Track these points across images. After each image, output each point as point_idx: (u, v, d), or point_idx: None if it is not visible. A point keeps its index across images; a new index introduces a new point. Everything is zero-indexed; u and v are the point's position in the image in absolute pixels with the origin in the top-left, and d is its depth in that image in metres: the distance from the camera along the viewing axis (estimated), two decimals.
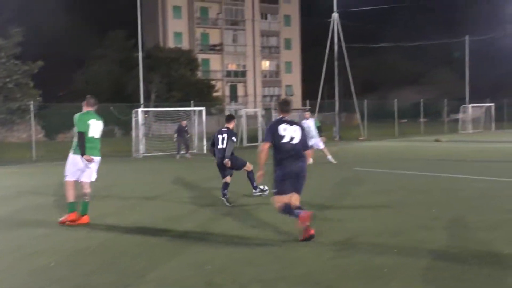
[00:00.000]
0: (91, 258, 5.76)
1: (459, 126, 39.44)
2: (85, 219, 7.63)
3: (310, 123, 16.20)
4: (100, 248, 6.15)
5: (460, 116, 40.70)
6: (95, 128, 7.69)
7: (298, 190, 6.21)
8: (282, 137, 6.15)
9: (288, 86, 66.77)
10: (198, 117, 25.72)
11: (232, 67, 63.25)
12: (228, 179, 9.09)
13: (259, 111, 32.14)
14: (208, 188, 11.14)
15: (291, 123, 6.27)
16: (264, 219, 7.52)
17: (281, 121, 6.25)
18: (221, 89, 60.02)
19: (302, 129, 6.31)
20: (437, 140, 28.03)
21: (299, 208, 6.11)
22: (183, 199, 9.74)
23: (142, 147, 23.89)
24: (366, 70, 67.13)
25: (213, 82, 54.89)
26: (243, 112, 29.87)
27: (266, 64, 66.30)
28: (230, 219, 7.64)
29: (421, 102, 39.17)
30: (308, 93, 56.74)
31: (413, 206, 8.24)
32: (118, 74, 49.95)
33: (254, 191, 9.58)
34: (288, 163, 6.11)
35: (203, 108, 25.47)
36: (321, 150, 16.19)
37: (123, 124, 37.74)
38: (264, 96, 64.34)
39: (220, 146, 9.09)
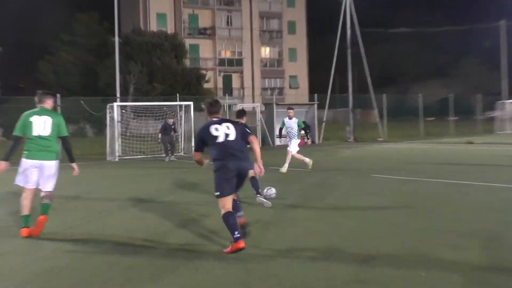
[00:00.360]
0: (55, 282, 5.67)
1: (495, 126, 39.50)
2: (41, 220, 7.52)
3: (293, 124, 16.19)
4: (67, 270, 6.07)
5: (496, 114, 40.73)
6: (41, 124, 7.49)
7: (238, 189, 6.94)
8: (216, 137, 6.79)
9: (292, 77, 66.84)
10: (185, 113, 25.72)
11: (226, 54, 63.32)
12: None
13: (258, 107, 32.14)
14: (197, 198, 11.08)
15: (222, 121, 6.91)
16: (265, 236, 7.46)
17: (210, 124, 6.90)
18: (213, 80, 60.06)
19: (235, 124, 6.96)
20: (469, 142, 28.07)
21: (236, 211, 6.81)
22: (167, 210, 9.66)
23: (118, 149, 23.86)
24: (384, 60, 67.41)
25: (203, 72, 54.92)
26: (239, 107, 29.84)
27: (266, 51, 66.42)
28: (225, 234, 7.56)
29: (450, 97, 39.16)
30: (316, 86, 56.79)
31: (440, 220, 8.19)
32: (90, 62, 50.00)
33: (258, 196, 10.10)
34: (227, 162, 6.69)
35: (190, 103, 25.52)
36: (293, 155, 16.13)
37: (96, 122, 37.70)
38: (264, 89, 64.41)
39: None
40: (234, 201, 6.93)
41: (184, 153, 25.01)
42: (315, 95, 34.59)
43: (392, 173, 14.83)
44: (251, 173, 9.54)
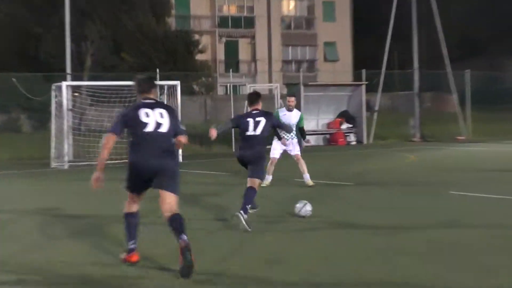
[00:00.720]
0: None
1: None
2: None
3: (293, 118, 16.37)
4: None
5: None
6: None
7: (171, 189, 7.91)
8: (145, 124, 7.85)
9: (329, 44, 66.75)
10: (170, 97, 25.73)
11: (230, 10, 63.46)
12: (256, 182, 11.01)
13: (278, 88, 32.13)
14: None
15: (155, 105, 8.05)
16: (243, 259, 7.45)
17: (141, 105, 8.00)
18: (211, 49, 60.14)
19: (171, 111, 8.13)
20: None
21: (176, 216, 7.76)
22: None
23: (68, 150, 23.90)
24: (467, 20, 66.97)
25: (196, 37, 54.96)
26: (248, 89, 29.88)
27: (289, 6, 66.52)
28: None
29: None
30: (364, 58, 56.52)
31: None
32: (27, 21, 50.00)
33: (241, 211, 10.65)
34: (147, 159, 7.84)
35: (177, 83, 25.54)
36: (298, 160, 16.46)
37: (36, 110, 37.82)
38: (286, 62, 64.40)
39: (251, 133, 11.10)
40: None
41: None
42: (363, 71, 34.51)
43: (479, 190, 14.71)
44: (256, 183, 10.97)
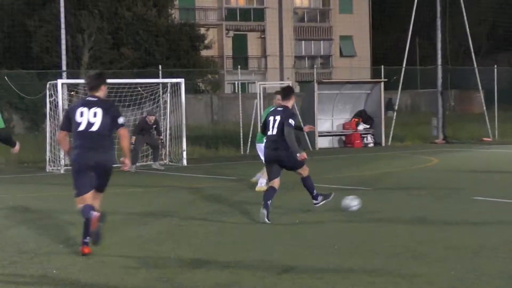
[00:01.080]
0: None
1: None
2: None
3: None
4: None
5: None
6: None
7: (100, 187, 9.48)
8: (78, 124, 9.21)
9: (345, 38, 66.70)
10: (173, 96, 25.83)
11: (239, 1, 63.59)
12: (276, 183, 12.19)
13: (290, 86, 32.14)
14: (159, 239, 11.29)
15: (92, 104, 9.29)
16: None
17: (80, 104, 9.46)
18: (217, 43, 60.09)
19: (107, 109, 9.27)
20: None
21: (92, 208, 9.12)
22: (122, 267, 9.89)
23: (64, 154, 24.00)
24: (497, 10, 66.83)
25: (201, 31, 54.94)
26: (258, 87, 30.08)
27: None
28: None
29: None
30: (383, 53, 56.49)
31: None
32: (18, 13, 50.04)
33: (314, 201, 12.59)
34: (82, 154, 9.19)
35: (181, 80, 25.56)
36: None
37: (29, 110, 38.03)
38: (299, 58, 64.39)
39: (269, 132, 12.37)
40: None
41: (170, 161, 25.21)
42: (382, 67, 34.55)
43: (506, 195, 14.80)
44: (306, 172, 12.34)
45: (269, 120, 12.37)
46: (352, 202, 12.21)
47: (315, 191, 12.54)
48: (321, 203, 12.54)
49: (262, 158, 16.30)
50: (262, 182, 16.32)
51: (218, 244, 10.31)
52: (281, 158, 12.12)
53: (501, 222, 11.81)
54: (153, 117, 23.54)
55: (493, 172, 20.15)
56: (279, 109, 12.54)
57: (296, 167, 12.29)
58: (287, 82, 33.90)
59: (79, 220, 9.75)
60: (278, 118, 12.19)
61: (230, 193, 16.77)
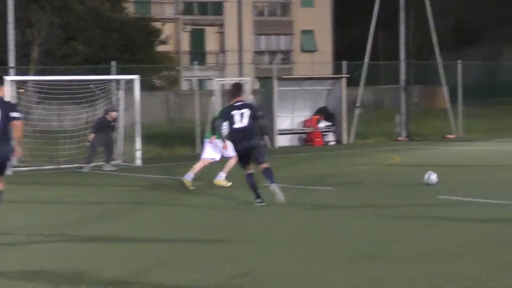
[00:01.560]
0: None
1: None
2: None
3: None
4: None
5: None
6: None
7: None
8: None
9: (306, 32, 66.92)
10: (127, 94, 25.65)
11: None
12: (251, 168, 13.52)
13: (249, 82, 32.05)
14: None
15: None
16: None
17: None
18: (174, 38, 60.07)
19: (2, 105, 10.82)
20: None
21: None
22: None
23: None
24: (460, 5, 67.39)
25: (157, 25, 54.87)
26: (216, 84, 29.98)
27: None
28: None
29: None
30: (345, 48, 56.71)
31: None
32: None
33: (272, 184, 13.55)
34: None
35: (135, 77, 25.41)
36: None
37: None
38: (259, 53, 64.52)
39: (239, 125, 13.33)
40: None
41: (124, 161, 24.97)
42: (344, 63, 34.54)
43: (471, 194, 14.85)
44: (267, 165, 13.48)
45: (233, 114, 13.43)
46: (432, 175, 15.58)
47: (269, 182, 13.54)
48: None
49: (219, 153, 17.15)
50: (221, 175, 16.94)
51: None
52: (253, 146, 13.38)
53: (473, 223, 11.82)
54: (116, 113, 23.55)
55: (460, 171, 20.32)
56: (238, 103, 13.57)
57: (261, 159, 13.52)
58: (246, 78, 33.67)
59: None
60: (245, 111, 13.43)
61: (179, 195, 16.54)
